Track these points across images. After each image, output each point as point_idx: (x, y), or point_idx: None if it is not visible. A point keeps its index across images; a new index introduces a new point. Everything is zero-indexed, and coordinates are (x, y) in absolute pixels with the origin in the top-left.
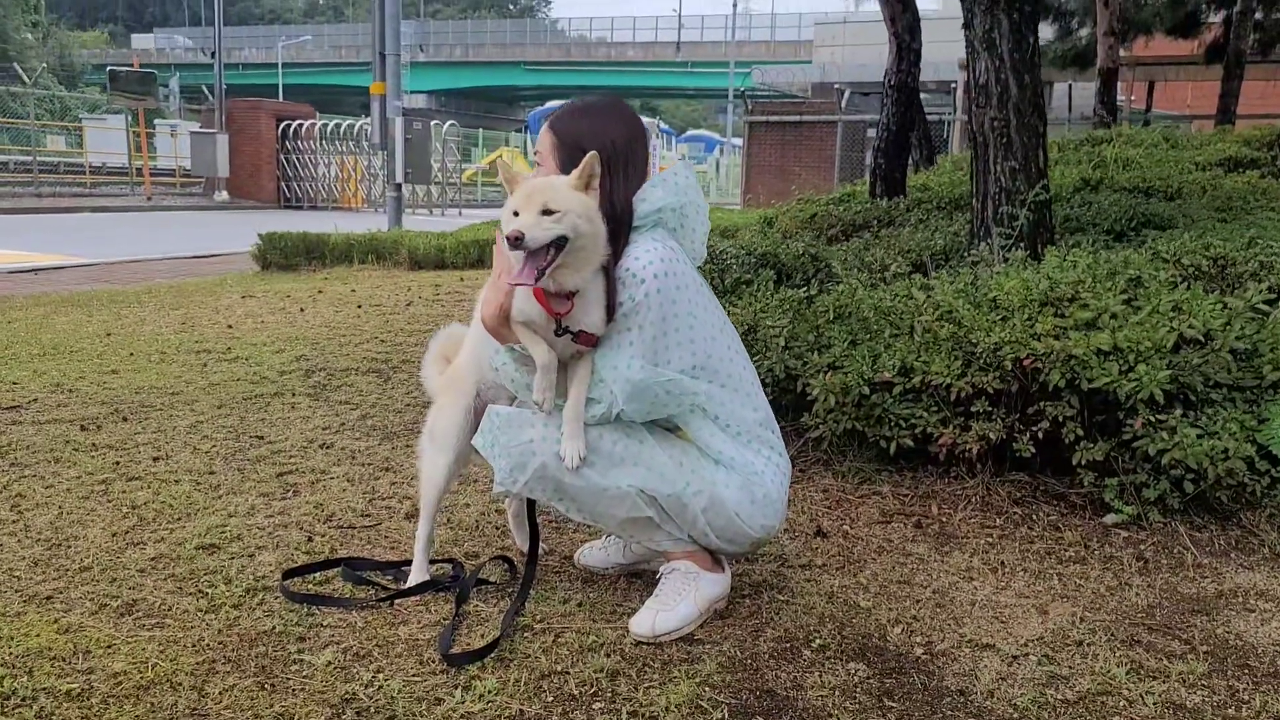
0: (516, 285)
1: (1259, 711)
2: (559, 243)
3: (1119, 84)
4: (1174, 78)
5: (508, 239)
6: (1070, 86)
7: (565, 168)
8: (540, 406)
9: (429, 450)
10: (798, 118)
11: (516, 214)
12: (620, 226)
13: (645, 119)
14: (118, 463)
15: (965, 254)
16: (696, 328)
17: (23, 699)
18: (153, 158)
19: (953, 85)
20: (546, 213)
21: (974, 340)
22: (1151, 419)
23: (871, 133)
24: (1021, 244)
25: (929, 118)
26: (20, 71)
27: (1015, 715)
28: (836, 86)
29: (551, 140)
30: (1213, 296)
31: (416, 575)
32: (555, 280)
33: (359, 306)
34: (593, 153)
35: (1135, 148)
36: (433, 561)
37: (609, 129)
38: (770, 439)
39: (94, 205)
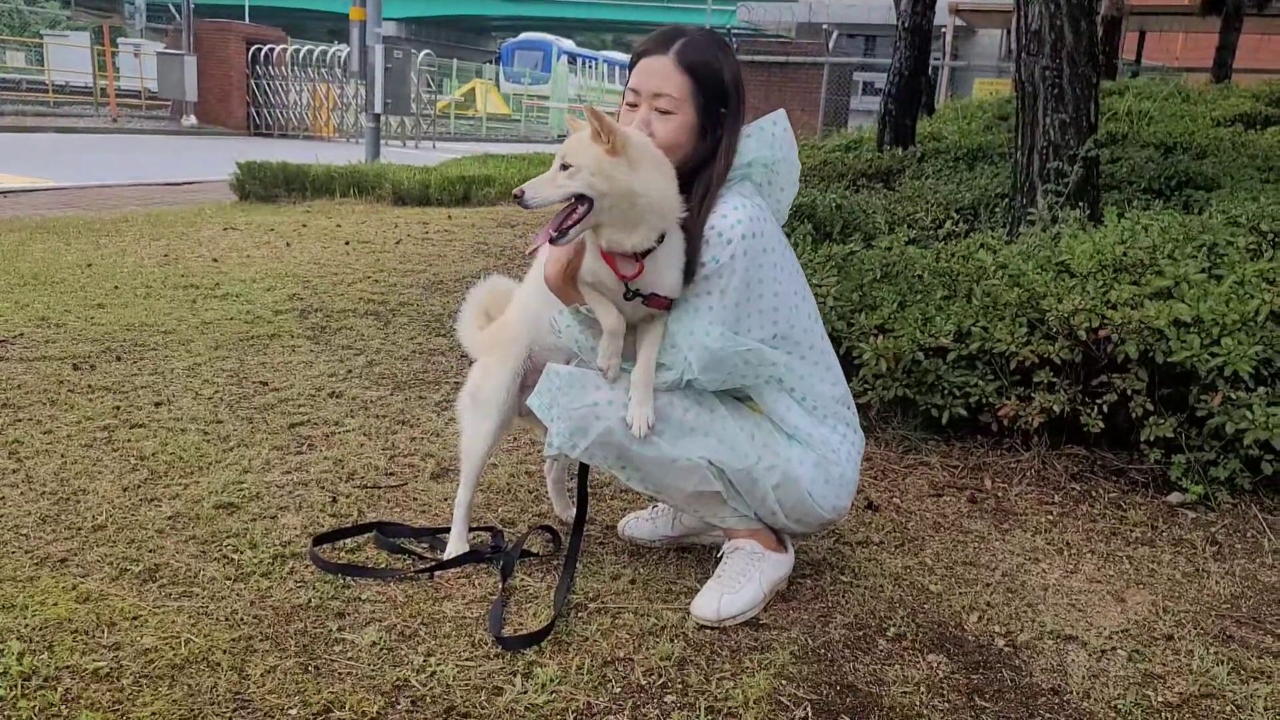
0: (532, 251)
1: None
2: (587, 200)
3: None
4: (1168, 28)
5: (513, 195)
6: None
7: (705, 111)
8: (605, 374)
9: (471, 414)
10: (784, 58)
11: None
12: (720, 182)
13: (624, 56)
14: (118, 407)
15: (997, 208)
16: (781, 295)
17: (45, 679)
18: (116, 78)
19: (942, 30)
20: (566, 168)
21: (1044, 307)
22: (1230, 395)
23: (858, 76)
24: (1070, 202)
25: None
26: None
27: (1117, 719)
28: (824, 27)
29: (689, 85)
30: None
31: (456, 545)
32: (606, 241)
33: (346, 243)
34: (589, 107)
35: (1147, 100)
36: (470, 529)
37: (735, 61)
38: (847, 416)
39: (58, 126)
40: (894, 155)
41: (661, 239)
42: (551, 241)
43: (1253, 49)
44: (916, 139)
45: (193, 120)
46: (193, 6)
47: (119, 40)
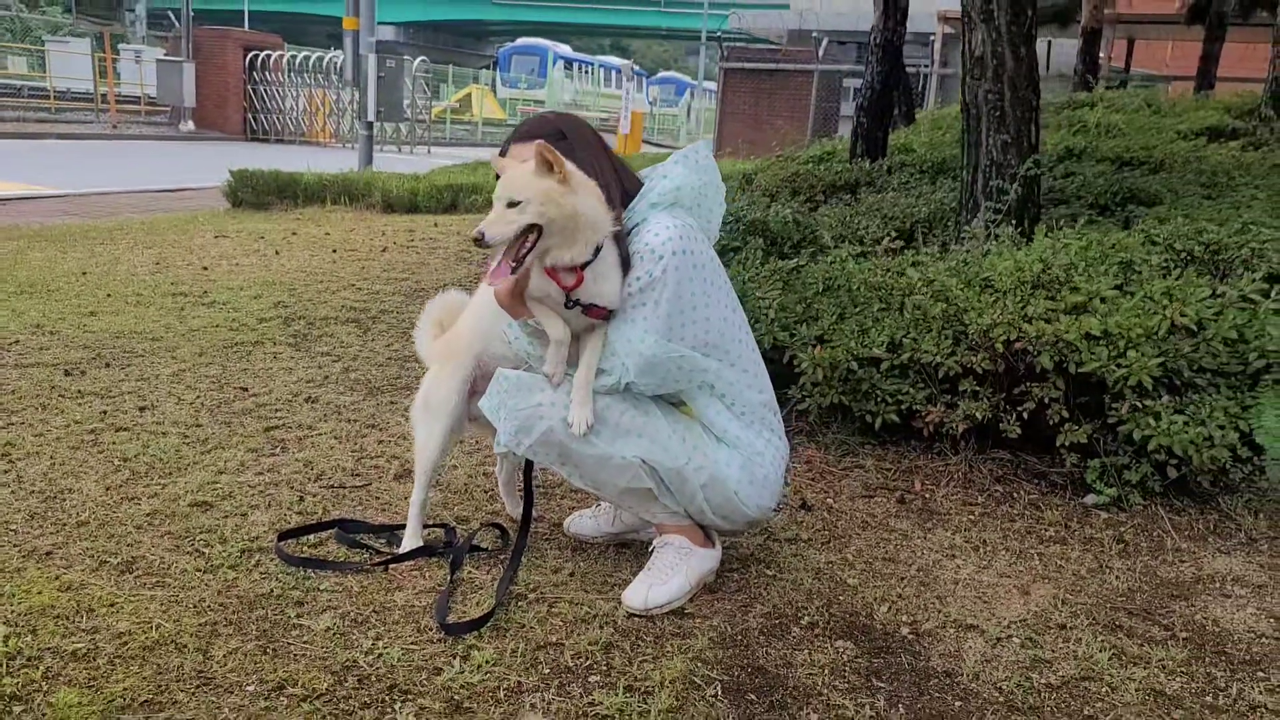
0: (492, 284)
1: (1235, 699)
2: (537, 230)
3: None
4: (1155, 36)
5: (472, 239)
6: (1050, 44)
7: (569, 154)
8: (550, 380)
9: (424, 419)
10: (774, 66)
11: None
12: (621, 192)
13: (620, 60)
14: (105, 412)
15: (950, 224)
16: (711, 306)
17: (28, 659)
18: (117, 84)
19: (930, 38)
20: (513, 205)
21: (966, 320)
22: (1138, 404)
23: (848, 82)
24: (1010, 219)
25: (906, 69)
26: None
27: (1000, 699)
28: (814, 35)
29: (535, 144)
30: (1204, 282)
31: (411, 541)
32: (550, 258)
33: (334, 251)
34: (539, 142)
35: (1117, 113)
36: (425, 526)
37: (571, 118)
38: (772, 421)
39: (59, 132)
40: (862, 168)
41: (597, 253)
42: (513, 272)
43: (1239, 58)
44: (888, 151)
45: (191, 126)
46: (192, 13)
47: (119, 46)
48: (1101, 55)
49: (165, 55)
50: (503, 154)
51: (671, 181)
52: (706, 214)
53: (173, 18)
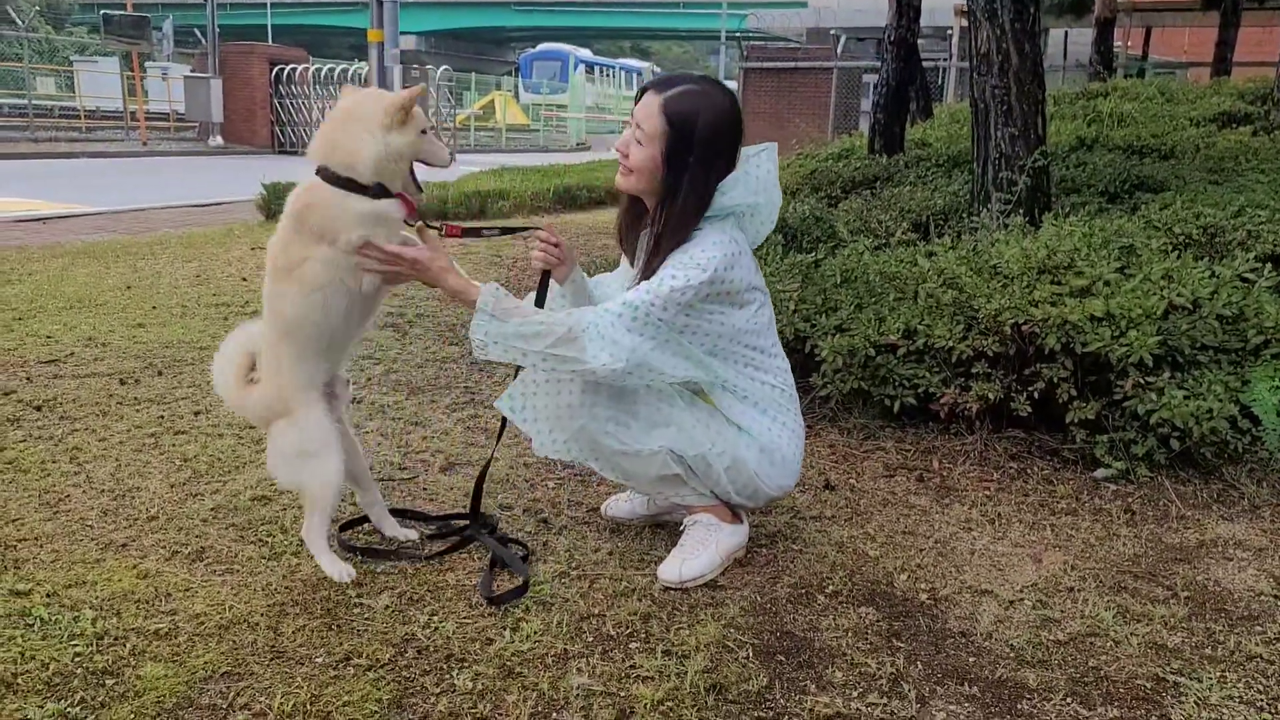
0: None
1: (1233, 651)
2: None
3: (1116, 30)
4: (1172, 24)
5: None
6: (1066, 34)
7: (670, 154)
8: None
9: (308, 466)
10: (794, 64)
11: None
12: (700, 217)
13: (640, 62)
14: (162, 417)
15: (965, 215)
16: (727, 317)
17: (115, 638)
18: (145, 102)
19: (949, 32)
20: None
21: (975, 306)
22: (1141, 380)
23: (867, 78)
24: (1020, 209)
25: (924, 63)
26: (13, 13)
27: (1012, 654)
28: (833, 32)
29: (662, 127)
30: (1202, 265)
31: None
32: None
33: None
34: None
35: (1131, 101)
36: (460, 516)
37: (721, 120)
38: (787, 405)
39: (90, 150)
40: (879, 163)
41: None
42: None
43: (1257, 42)
44: (906, 145)
45: (219, 140)
46: (217, 30)
47: (146, 64)
48: (1119, 44)
49: (192, 72)
50: (638, 100)
51: (730, 199)
52: (757, 225)
53: (199, 35)
